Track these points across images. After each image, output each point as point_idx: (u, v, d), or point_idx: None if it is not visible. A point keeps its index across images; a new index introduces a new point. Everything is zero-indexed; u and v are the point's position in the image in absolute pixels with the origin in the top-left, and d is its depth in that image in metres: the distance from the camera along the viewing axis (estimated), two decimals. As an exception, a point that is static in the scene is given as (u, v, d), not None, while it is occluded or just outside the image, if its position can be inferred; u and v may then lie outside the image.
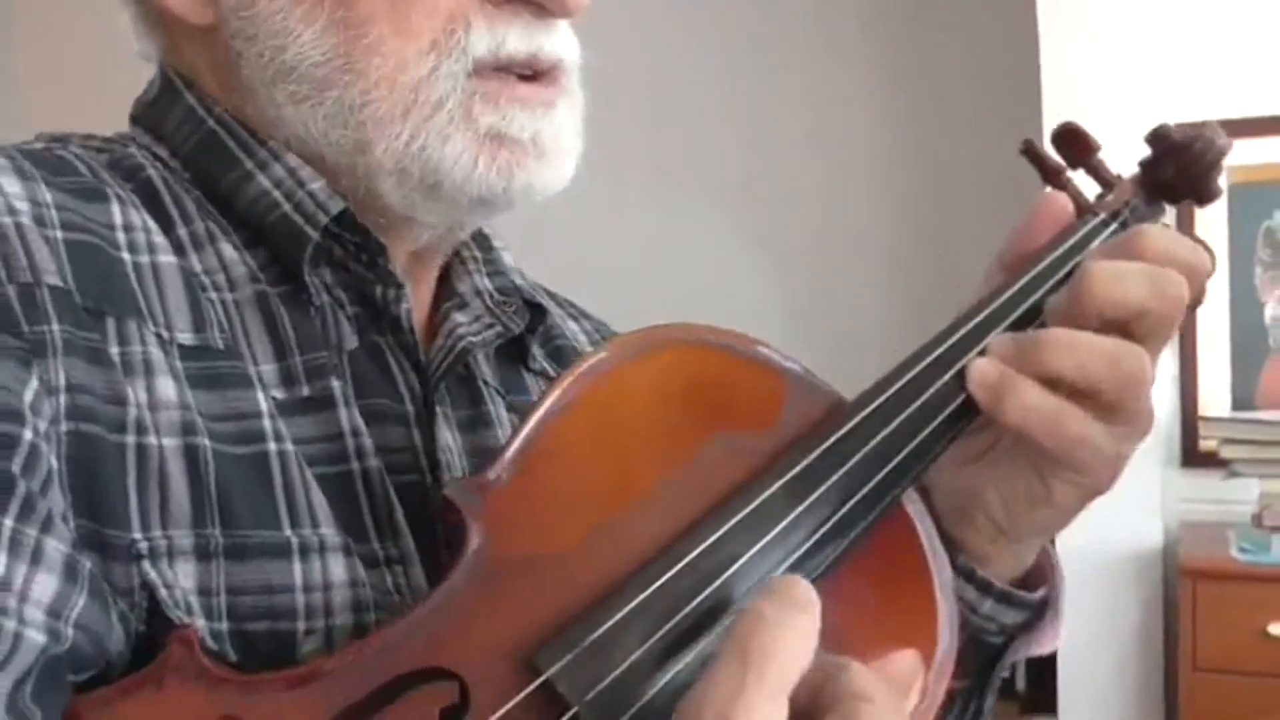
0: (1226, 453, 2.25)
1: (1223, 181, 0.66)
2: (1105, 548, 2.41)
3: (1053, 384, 0.54)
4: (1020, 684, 2.55)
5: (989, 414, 0.55)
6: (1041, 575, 0.64)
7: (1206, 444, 2.37)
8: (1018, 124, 2.58)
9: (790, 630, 0.39)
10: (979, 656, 0.63)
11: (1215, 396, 2.47)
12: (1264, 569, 2.17)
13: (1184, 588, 2.21)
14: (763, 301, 3.19)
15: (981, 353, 0.56)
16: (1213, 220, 2.40)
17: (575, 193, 0.61)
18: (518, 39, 0.55)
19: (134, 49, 0.62)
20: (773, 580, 0.43)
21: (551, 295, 0.74)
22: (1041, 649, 0.63)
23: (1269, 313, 2.46)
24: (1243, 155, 2.40)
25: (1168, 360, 2.41)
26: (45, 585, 0.42)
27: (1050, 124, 2.56)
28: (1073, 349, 0.54)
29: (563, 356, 0.69)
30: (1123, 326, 0.55)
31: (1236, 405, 2.46)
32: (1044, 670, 2.42)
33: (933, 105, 3.09)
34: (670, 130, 3.01)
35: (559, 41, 0.57)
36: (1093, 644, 2.43)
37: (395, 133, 0.54)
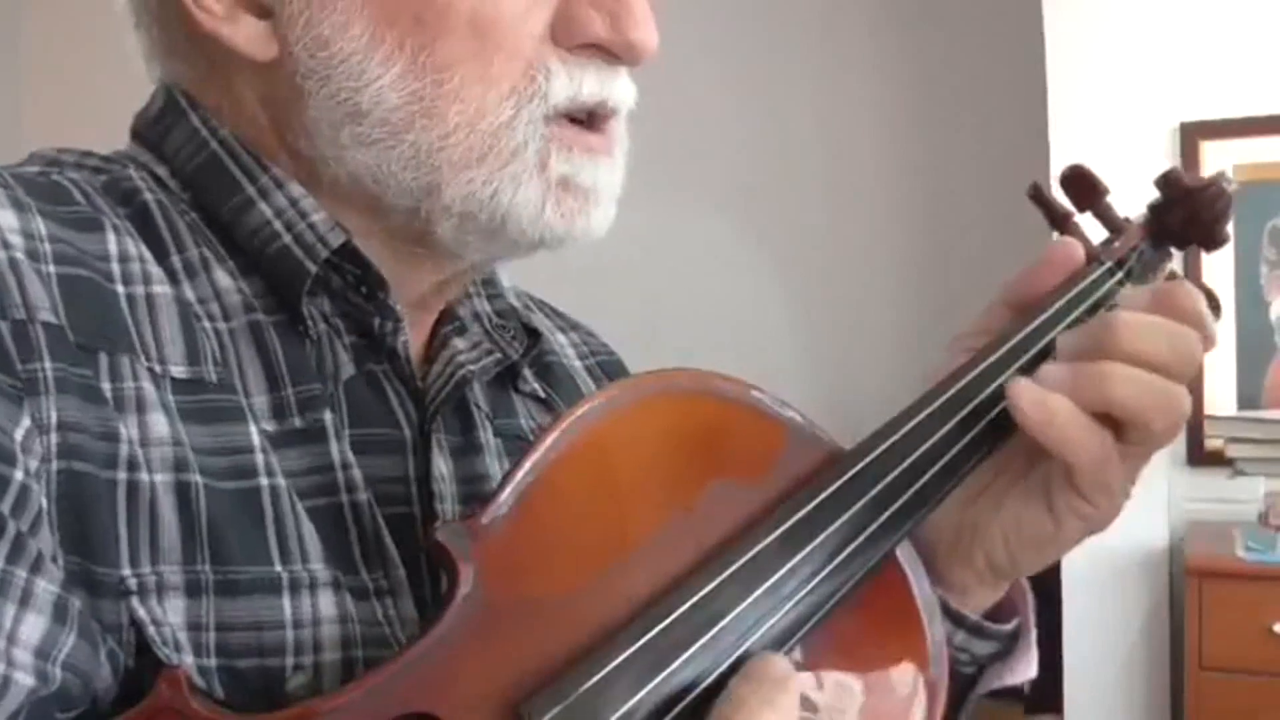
0: (1232, 452, 2.25)
1: (1229, 186, 0.65)
2: (1111, 547, 2.41)
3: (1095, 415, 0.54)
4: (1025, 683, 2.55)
5: (1036, 433, 0.53)
6: (1013, 607, 0.64)
7: (1212, 443, 2.37)
8: (1024, 125, 2.59)
9: (772, 710, 0.40)
10: (952, 686, 0.64)
11: (1221, 395, 2.46)
12: (1270, 568, 2.16)
13: (1190, 587, 2.21)
14: (767, 307, 3.19)
15: (995, 393, 0.55)
16: (1219, 219, 2.39)
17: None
18: (592, 85, 0.55)
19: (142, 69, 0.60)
20: (749, 664, 0.44)
21: (540, 306, 0.74)
22: (1015, 678, 0.64)
23: (1275, 312, 2.46)
24: (1249, 154, 2.39)
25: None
26: (34, 626, 0.42)
27: (1057, 126, 2.54)
28: (1133, 381, 0.54)
29: (553, 373, 0.69)
30: None
31: (1242, 404, 2.45)
32: (1049, 669, 2.42)
33: (939, 110, 3.08)
34: (675, 134, 3.00)
35: (622, 88, 0.57)
36: (1098, 643, 2.43)
37: (469, 178, 0.54)
